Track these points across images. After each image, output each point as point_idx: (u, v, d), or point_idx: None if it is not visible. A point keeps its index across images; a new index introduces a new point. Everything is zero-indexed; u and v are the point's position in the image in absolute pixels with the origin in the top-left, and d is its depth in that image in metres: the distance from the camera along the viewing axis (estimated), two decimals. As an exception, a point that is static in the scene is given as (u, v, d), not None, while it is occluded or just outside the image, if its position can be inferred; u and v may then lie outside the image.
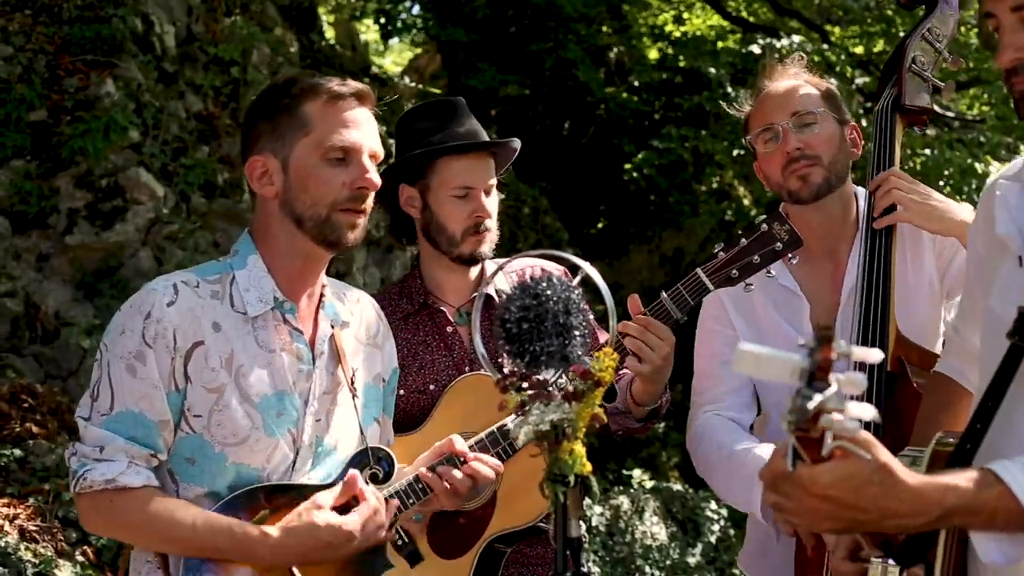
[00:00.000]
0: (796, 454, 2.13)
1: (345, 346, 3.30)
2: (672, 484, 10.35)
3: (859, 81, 12.87)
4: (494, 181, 4.04)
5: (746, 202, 14.70)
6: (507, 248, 10.18)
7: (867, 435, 2.20)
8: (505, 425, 3.40)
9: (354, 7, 17.99)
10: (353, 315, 3.39)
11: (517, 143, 4.12)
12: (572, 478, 2.55)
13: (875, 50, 12.91)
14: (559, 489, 2.56)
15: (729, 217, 14.20)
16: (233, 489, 3.08)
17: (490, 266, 4.11)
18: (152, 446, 3.04)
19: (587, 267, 2.91)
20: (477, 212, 3.94)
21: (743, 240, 3.52)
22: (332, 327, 3.27)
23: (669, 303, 3.56)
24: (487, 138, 4.07)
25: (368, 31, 19.79)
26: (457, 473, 3.31)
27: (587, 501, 9.00)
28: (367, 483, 3.20)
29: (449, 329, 4.02)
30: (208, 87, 8.62)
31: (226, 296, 3.12)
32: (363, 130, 3.16)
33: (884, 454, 2.23)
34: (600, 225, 14.93)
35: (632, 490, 9.81)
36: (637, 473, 11.00)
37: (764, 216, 3.58)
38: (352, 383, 3.28)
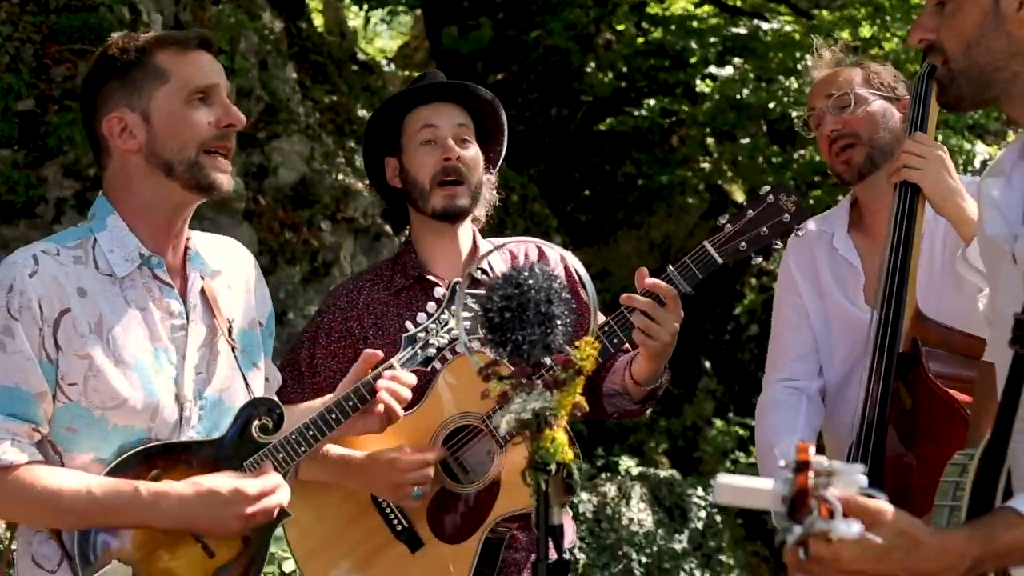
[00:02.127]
0: (806, 546, 2.10)
1: (218, 295, 3.30)
2: (659, 471, 10.36)
3: (848, 62, 12.86)
4: (467, 129, 3.98)
5: (735, 187, 14.72)
6: (496, 235, 10.23)
7: (881, 507, 2.19)
8: (414, 336, 3.42)
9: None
10: (223, 263, 3.38)
11: (488, 94, 4.07)
12: (554, 466, 2.58)
13: (863, 35, 12.88)
14: (541, 477, 2.60)
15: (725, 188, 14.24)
16: (121, 453, 3.07)
17: (484, 244, 4.09)
18: (32, 419, 3.02)
19: (570, 257, 2.95)
20: (445, 154, 3.90)
21: (749, 212, 3.52)
22: (202, 277, 3.28)
23: (676, 276, 3.53)
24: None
25: (356, 17, 19.76)
26: (394, 384, 3.33)
27: (574, 488, 9.02)
28: (259, 434, 3.22)
29: (437, 290, 3.88)
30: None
31: (89, 260, 3.11)
32: (216, 71, 3.19)
33: (902, 520, 2.22)
34: (589, 211, 14.93)
35: (619, 477, 9.82)
36: (624, 460, 11.01)
37: (769, 187, 3.57)
38: (229, 332, 3.29)
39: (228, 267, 3.39)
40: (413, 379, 3.41)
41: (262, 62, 9.44)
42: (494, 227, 11.15)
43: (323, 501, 3.91)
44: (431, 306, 3.43)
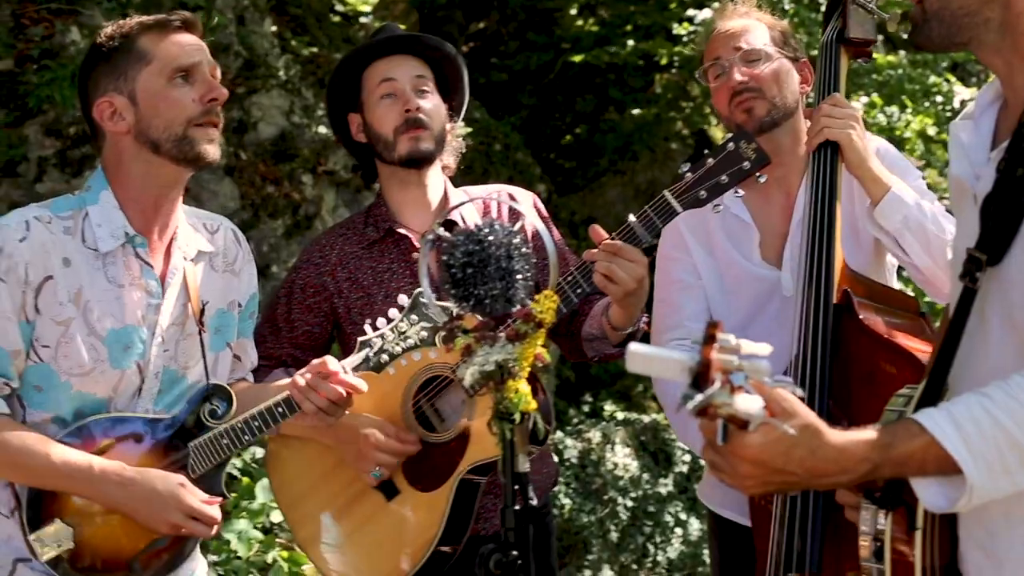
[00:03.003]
0: (725, 428, 2.22)
1: (199, 276, 3.46)
2: (643, 416, 10.41)
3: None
4: (426, 80, 4.04)
5: (718, 132, 14.77)
6: (479, 184, 10.27)
7: (790, 399, 2.31)
8: (370, 341, 3.47)
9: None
10: (212, 244, 3.55)
11: (443, 43, 4.12)
12: (518, 415, 2.67)
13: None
14: (506, 426, 2.69)
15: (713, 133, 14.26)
16: (78, 415, 3.27)
17: (455, 192, 4.14)
18: (5, 374, 3.22)
19: (531, 215, 3.03)
20: (406, 106, 3.95)
21: (710, 160, 3.51)
22: (185, 259, 3.43)
23: (638, 227, 3.54)
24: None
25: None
26: (324, 388, 3.40)
27: (559, 435, 9.11)
28: (207, 418, 3.42)
29: (415, 255, 3.91)
30: (174, 32, 8.47)
31: (78, 232, 3.28)
32: (197, 50, 3.37)
33: (809, 415, 2.33)
34: (573, 158, 14.97)
35: (603, 423, 9.89)
36: (609, 405, 11.06)
37: (731, 135, 3.57)
38: (201, 317, 3.45)
39: (215, 248, 3.57)
40: (363, 385, 3.46)
41: (239, 17, 9.43)
42: (478, 177, 11.03)
43: (304, 453, 4.00)
44: (392, 312, 3.47)
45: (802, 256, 3.68)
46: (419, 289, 3.44)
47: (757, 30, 4.03)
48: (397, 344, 3.43)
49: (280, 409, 3.43)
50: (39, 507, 3.26)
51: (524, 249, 2.65)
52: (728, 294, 4.08)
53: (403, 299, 3.46)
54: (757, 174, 3.52)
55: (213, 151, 3.35)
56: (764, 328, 3.86)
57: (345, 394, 3.42)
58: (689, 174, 3.52)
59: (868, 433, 2.40)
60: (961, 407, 2.38)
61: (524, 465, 2.75)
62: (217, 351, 3.55)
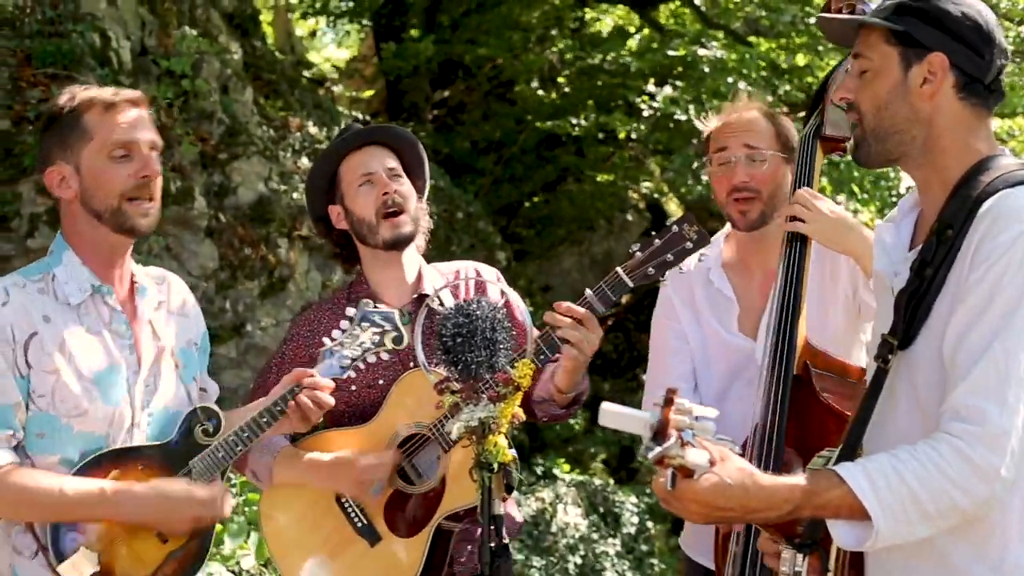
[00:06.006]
0: (674, 476, 2.58)
1: (160, 322, 3.79)
2: (594, 479, 10.70)
3: (783, 89, 13.24)
4: (396, 167, 4.36)
5: (672, 206, 15.12)
6: (442, 252, 10.55)
7: (727, 451, 2.68)
8: (331, 349, 3.86)
9: (291, 6, 18.17)
10: (164, 293, 3.88)
11: (407, 132, 4.49)
12: (496, 465, 3.13)
13: (798, 63, 13.35)
14: (485, 474, 3.14)
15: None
16: (83, 454, 3.55)
17: (428, 269, 4.47)
18: (10, 426, 3.49)
19: (510, 292, 3.46)
20: (383, 191, 4.27)
21: (657, 241, 3.83)
22: (148, 306, 3.76)
23: (593, 299, 3.85)
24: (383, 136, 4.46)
25: (302, 25, 19.98)
26: (303, 397, 3.75)
27: (515, 494, 9.41)
28: (201, 437, 3.73)
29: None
30: (161, 98, 8.92)
31: (49, 291, 3.58)
32: (138, 128, 3.62)
33: (741, 461, 2.71)
34: (531, 227, 15.24)
35: (556, 483, 10.18)
36: (561, 468, 11.33)
37: (675, 218, 3.90)
38: (173, 354, 3.78)
39: (167, 297, 3.89)
40: (331, 384, 3.83)
41: (223, 86, 9.79)
42: (441, 244, 11.29)
43: (295, 506, 4.35)
44: (344, 323, 3.87)
45: (770, 333, 3.98)
46: (364, 300, 3.92)
47: (763, 127, 4.27)
48: (354, 348, 3.84)
49: (264, 419, 3.77)
50: (62, 543, 3.53)
51: (507, 323, 3.10)
52: (710, 358, 4.40)
53: (351, 311, 3.88)
54: (699, 252, 3.85)
55: (146, 223, 3.64)
56: (739, 391, 4.22)
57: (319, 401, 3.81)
58: (639, 253, 3.85)
59: (795, 478, 2.78)
60: (874, 464, 2.78)
61: (499, 508, 3.19)
62: (187, 384, 3.86)
